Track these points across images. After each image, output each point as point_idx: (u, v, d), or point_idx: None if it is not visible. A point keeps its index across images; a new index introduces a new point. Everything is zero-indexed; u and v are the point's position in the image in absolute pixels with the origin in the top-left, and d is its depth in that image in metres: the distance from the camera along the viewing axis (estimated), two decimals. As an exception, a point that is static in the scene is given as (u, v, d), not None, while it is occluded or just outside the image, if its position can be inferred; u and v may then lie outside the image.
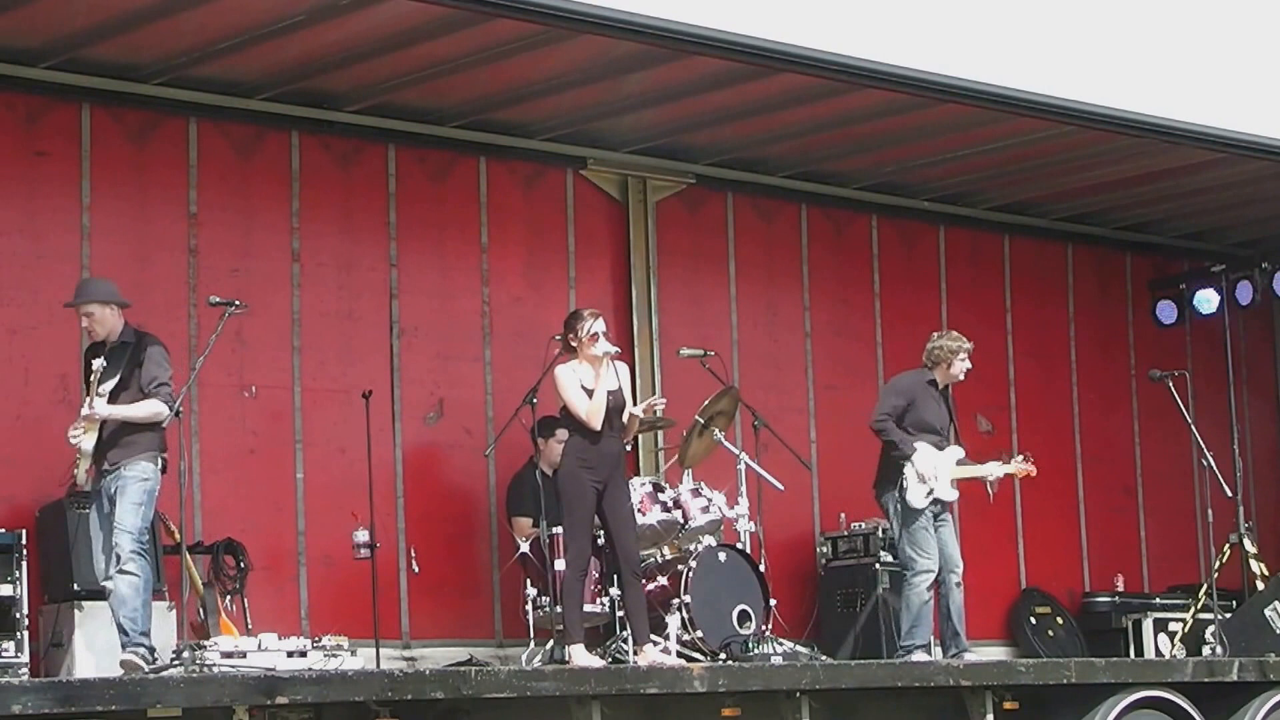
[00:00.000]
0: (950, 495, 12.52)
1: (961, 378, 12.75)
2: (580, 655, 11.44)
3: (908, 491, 12.37)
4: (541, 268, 14.32)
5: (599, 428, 11.53)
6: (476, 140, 13.97)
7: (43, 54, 12.15)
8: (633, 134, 14.27)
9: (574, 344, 11.66)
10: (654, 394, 13.90)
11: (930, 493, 12.38)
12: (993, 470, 12.76)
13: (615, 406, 11.68)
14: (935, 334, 12.90)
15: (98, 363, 10.39)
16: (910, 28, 12.96)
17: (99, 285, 10.80)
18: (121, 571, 10.26)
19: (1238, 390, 17.29)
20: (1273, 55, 14.87)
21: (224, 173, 13.00)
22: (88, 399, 10.38)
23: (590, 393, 11.54)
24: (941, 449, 12.53)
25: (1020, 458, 12.99)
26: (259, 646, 10.74)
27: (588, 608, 12.03)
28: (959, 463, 12.57)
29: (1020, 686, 11.42)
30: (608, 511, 11.67)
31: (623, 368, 11.99)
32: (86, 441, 10.44)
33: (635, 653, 11.69)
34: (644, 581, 12.32)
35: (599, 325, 11.66)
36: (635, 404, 11.89)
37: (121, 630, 10.28)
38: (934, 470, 12.40)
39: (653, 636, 11.84)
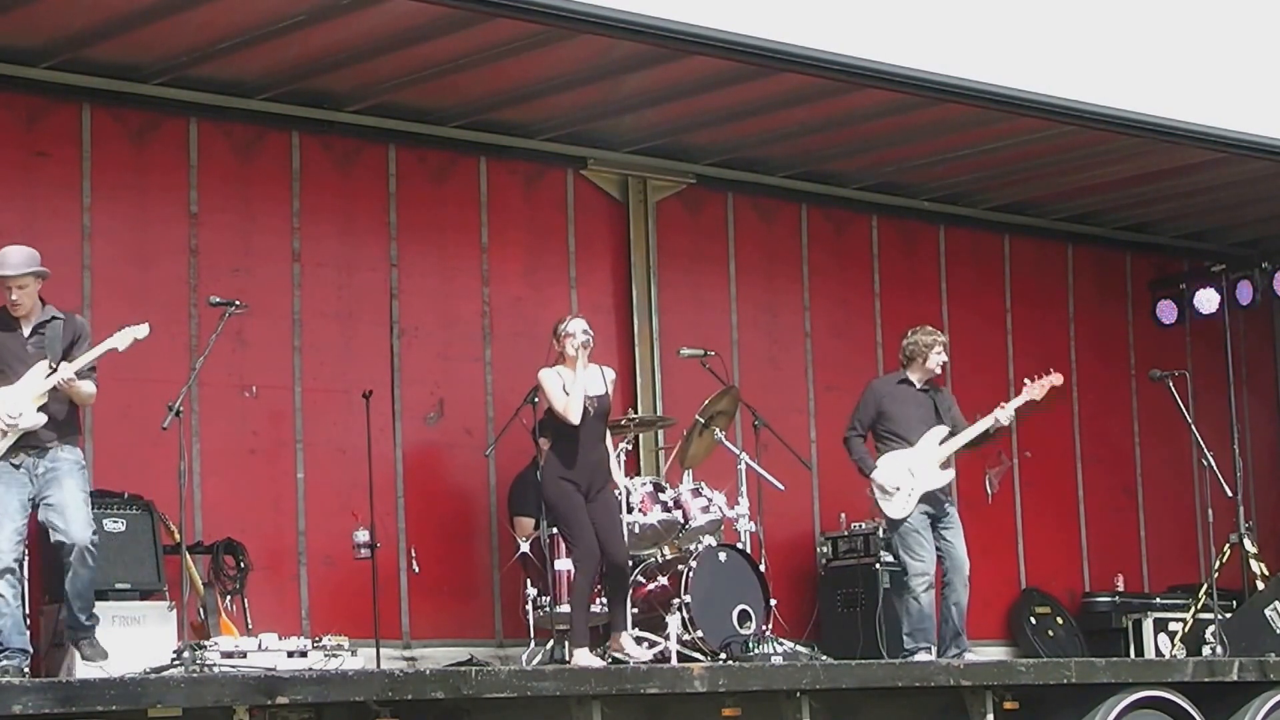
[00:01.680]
0: (939, 480, 12.31)
1: (939, 371, 12.59)
2: (583, 656, 11.46)
3: (882, 507, 12.32)
4: (542, 268, 14.32)
5: (577, 421, 11.56)
6: (476, 140, 13.97)
7: (43, 54, 12.15)
8: (633, 134, 14.27)
9: (560, 350, 11.74)
10: (654, 393, 13.88)
11: (908, 497, 12.26)
12: (1003, 415, 12.37)
13: (599, 412, 11.71)
14: (909, 330, 12.70)
15: (127, 338, 10.07)
16: (910, 28, 12.96)
17: (30, 253, 10.24)
18: (85, 566, 10.00)
19: (1238, 390, 17.27)
20: (1273, 55, 14.87)
21: (224, 173, 13.00)
22: (56, 366, 9.96)
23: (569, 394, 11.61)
24: (914, 444, 12.38)
25: (1028, 382, 12.63)
26: (259, 646, 10.75)
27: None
28: (944, 442, 12.38)
29: (1020, 686, 11.41)
30: (595, 519, 11.69)
31: (610, 372, 12.01)
32: (39, 416, 9.97)
33: (608, 641, 11.74)
34: (644, 581, 12.34)
35: (573, 325, 11.71)
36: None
37: (77, 624, 10.13)
38: (895, 481, 12.24)
39: (639, 633, 11.88)
